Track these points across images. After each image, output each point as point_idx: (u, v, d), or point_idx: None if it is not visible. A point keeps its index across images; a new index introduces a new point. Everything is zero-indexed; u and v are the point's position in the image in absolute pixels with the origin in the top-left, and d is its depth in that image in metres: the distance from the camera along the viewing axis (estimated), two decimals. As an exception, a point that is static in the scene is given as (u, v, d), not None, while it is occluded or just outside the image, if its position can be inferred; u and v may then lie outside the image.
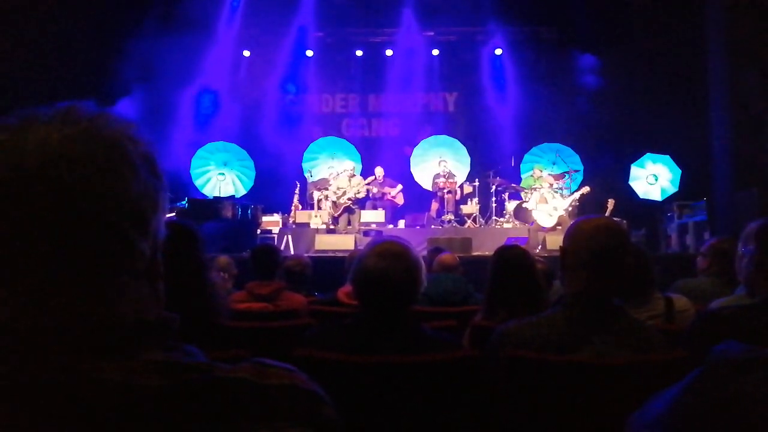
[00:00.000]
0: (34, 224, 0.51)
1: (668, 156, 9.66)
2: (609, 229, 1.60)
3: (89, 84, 8.00)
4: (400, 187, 9.78)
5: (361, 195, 9.03)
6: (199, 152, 10.63)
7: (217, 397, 0.53)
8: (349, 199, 8.83)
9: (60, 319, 0.52)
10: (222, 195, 9.81)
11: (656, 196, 9.68)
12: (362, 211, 9.13)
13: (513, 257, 2.52)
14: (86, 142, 0.55)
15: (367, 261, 1.64)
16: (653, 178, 9.74)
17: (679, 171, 9.58)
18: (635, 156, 9.85)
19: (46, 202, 0.52)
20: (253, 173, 10.89)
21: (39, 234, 0.51)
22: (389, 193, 9.63)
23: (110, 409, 0.50)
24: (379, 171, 9.59)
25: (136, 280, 0.58)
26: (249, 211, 8.47)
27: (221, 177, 10.62)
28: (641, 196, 9.73)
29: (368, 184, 9.26)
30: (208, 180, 10.67)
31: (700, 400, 0.65)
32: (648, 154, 9.76)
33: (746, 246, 1.68)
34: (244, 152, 10.90)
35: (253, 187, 10.83)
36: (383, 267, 1.60)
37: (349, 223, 8.84)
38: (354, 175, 9.13)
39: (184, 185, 9.93)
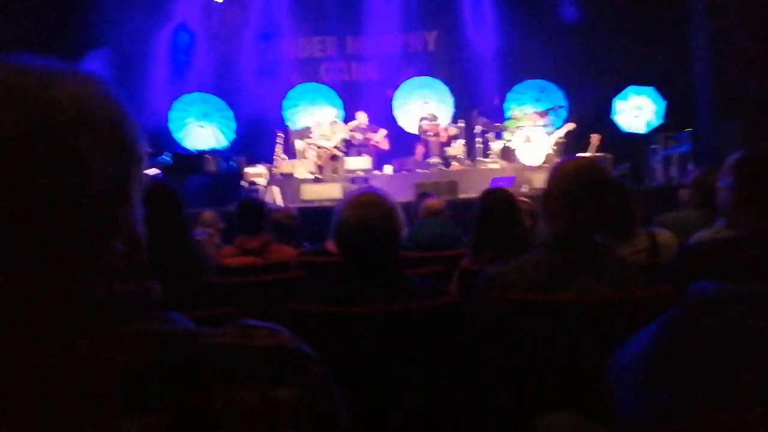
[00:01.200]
0: (9, 181, 0.50)
1: (652, 88, 9.60)
2: (589, 169, 1.60)
3: (58, 36, 7.73)
4: (384, 131, 9.68)
5: (347, 139, 8.86)
6: (176, 104, 10.39)
7: (202, 363, 0.53)
8: (334, 146, 8.72)
9: (32, 295, 0.51)
10: (203, 148, 9.67)
11: (641, 128, 9.67)
12: (348, 158, 9.06)
13: (497, 200, 2.54)
14: (85, 104, 0.53)
15: (343, 214, 1.66)
16: (637, 110, 9.71)
17: (664, 102, 9.54)
18: (619, 90, 9.78)
19: (27, 167, 0.50)
20: (234, 124, 10.71)
21: (11, 201, 0.50)
22: (373, 139, 9.55)
23: (92, 387, 0.49)
24: (361, 116, 9.43)
25: (114, 252, 0.56)
26: (232, 163, 8.38)
27: (201, 129, 10.43)
28: (625, 129, 9.72)
29: (351, 130, 9.15)
30: (189, 133, 10.49)
31: (675, 339, 0.67)
32: (631, 87, 9.69)
33: (725, 179, 1.69)
34: (223, 103, 10.66)
35: (235, 138, 10.67)
36: (359, 216, 1.63)
37: (335, 171, 8.77)
38: (336, 122, 8.98)
39: (164, 139, 9.74)
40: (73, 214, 0.52)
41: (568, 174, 1.60)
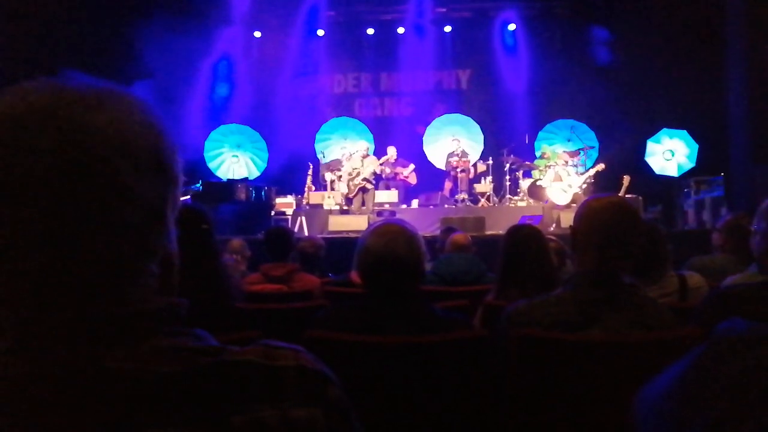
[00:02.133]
0: (53, 207, 0.51)
1: (685, 131, 9.50)
2: (619, 207, 1.59)
3: (104, 64, 8.02)
4: (412, 166, 9.74)
5: (378, 172, 8.92)
6: (213, 135, 10.68)
7: (226, 379, 0.54)
8: (364, 179, 8.78)
9: (70, 308, 0.53)
10: (236, 177, 9.86)
11: (673, 171, 9.55)
12: (376, 191, 9.11)
13: (524, 236, 2.52)
14: (125, 130, 0.55)
15: (367, 243, 1.68)
16: (670, 153, 9.60)
17: (696, 146, 9.42)
18: (651, 131, 9.70)
19: (66, 193, 0.52)
20: (266, 155, 10.92)
21: (53, 223, 0.52)
22: (402, 173, 9.61)
23: (121, 397, 0.50)
24: (391, 151, 9.55)
25: (149, 269, 0.58)
26: (263, 193, 8.51)
27: (235, 159, 10.66)
28: (657, 172, 9.60)
29: (381, 164, 9.23)
30: (222, 162, 10.72)
31: (704, 376, 0.65)
32: (664, 129, 9.61)
33: (759, 223, 1.66)
34: (257, 134, 10.91)
35: (266, 169, 10.86)
36: (382, 243, 1.65)
37: (363, 203, 8.83)
38: (368, 155, 9.08)
39: (198, 168, 9.99)
40: (112, 235, 0.54)
41: (598, 211, 1.59)
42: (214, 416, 0.52)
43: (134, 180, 0.55)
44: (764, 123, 7.41)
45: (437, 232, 6.17)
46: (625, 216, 1.59)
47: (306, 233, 8.00)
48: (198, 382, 0.53)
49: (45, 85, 0.55)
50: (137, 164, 0.55)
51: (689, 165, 9.44)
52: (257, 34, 11.23)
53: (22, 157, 0.51)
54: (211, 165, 10.63)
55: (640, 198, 8.37)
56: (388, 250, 1.63)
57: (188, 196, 7.55)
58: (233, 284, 1.83)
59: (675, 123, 9.53)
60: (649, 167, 9.62)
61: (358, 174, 8.81)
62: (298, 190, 9.44)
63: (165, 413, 0.51)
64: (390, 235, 1.66)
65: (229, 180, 9.49)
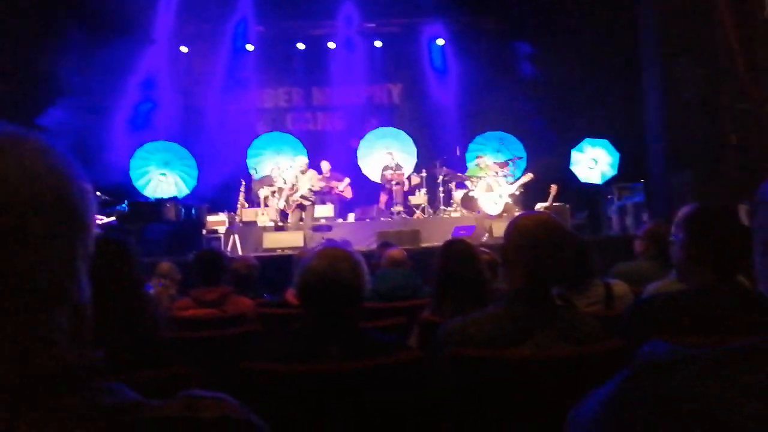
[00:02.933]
0: None
1: (606, 140, 9.97)
2: (546, 224, 1.63)
3: (25, 82, 7.60)
4: (347, 180, 9.73)
5: (315, 189, 8.80)
6: (138, 152, 10.30)
7: None
8: (302, 196, 8.63)
9: None
10: (164, 196, 9.54)
11: (597, 179, 9.98)
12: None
13: (457, 253, 2.55)
14: (31, 177, 0.52)
15: (311, 263, 1.65)
16: (593, 162, 10.03)
17: (618, 154, 9.90)
18: (575, 141, 10.12)
19: None
20: (195, 172, 10.63)
21: None
22: (337, 187, 9.57)
23: None
24: (325, 165, 9.50)
25: (58, 323, 0.54)
26: (193, 211, 8.28)
27: (163, 177, 10.31)
28: (582, 180, 10.01)
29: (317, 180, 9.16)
30: (149, 181, 10.35)
31: (627, 402, 0.67)
32: (587, 139, 10.05)
33: (677, 233, 1.73)
34: (186, 151, 10.61)
35: (196, 186, 10.56)
36: (327, 265, 1.62)
37: (301, 219, 8.70)
38: (306, 171, 8.93)
39: (124, 187, 9.60)
40: (18, 289, 0.51)
41: (526, 228, 1.62)
42: None
43: (43, 234, 0.52)
44: (678, 133, 7.87)
45: (374, 246, 6.19)
46: (552, 232, 1.63)
47: (239, 251, 7.83)
48: None
49: None
50: (46, 218, 0.52)
51: (612, 173, 9.89)
52: (184, 49, 10.95)
53: None
54: (138, 184, 10.24)
55: (567, 205, 8.69)
56: (332, 272, 1.60)
57: (113, 218, 7.23)
58: (158, 315, 1.75)
59: (597, 133, 9.99)
60: (575, 176, 10.02)
61: (297, 190, 8.67)
62: (230, 208, 9.22)
63: None
64: (335, 258, 1.64)
65: (157, 199, 9.18)
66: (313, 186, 8.67)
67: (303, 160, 9.04)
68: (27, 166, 0.52)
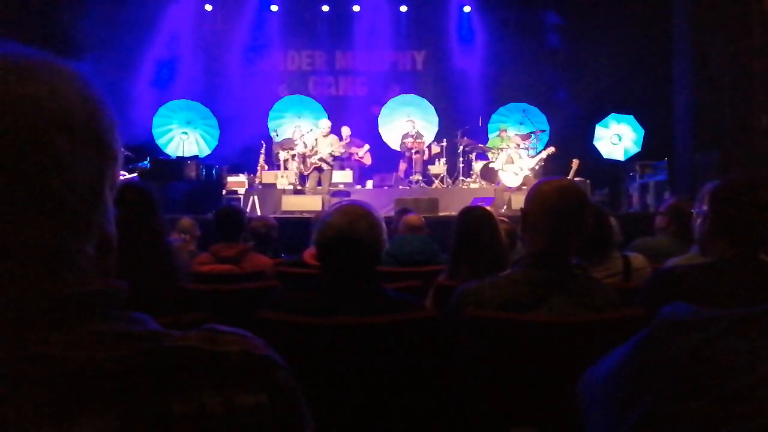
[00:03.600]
0: None
1: (632, 116, 9.79)
2: (568, 190, 1.62)
3: (47, 37, 7.61)
4: (367, 147, 9.70)
5: (336, 154, 8.77)
6: (161, 110, 10.34)
7: (167, 366, 0.52)
8: (320, 159, 8.65)
9: (4, 289, 0.50)
10: (185, 155, 9.60)
11: (619, 156, 9.84)
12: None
13: (476, 218, 2.55)
14: (63, 102, 0.52)
15: (330, 220, 1.66)
16: (617, 138, 9.88)
17: (642, 131, 9.73)
18: (600, 116, 9.96)
19: (4, 157, 0.49)
20: (217, 132, 10.66)
21: None
22: (356, 153, 9.55)
23: (53, 385, 0.48)
24: (345, 131, 9.47)
25: (85, 251, 0.55)
26: (213, 172, 8.32)
27: (184, 136, 10.36)
28: (605, 156, 9.88)
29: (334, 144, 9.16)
30: (171, 139, 10.41)
31: (647, 359, 0.67)
32: (612, 114, 9.88)
33: (700, 207, 1.71)
34: (208, 111, 10.63)
35: (217, 146, 10.61)
36: (347, 222, 1.63)
37: (319, 183, 8.73)
38: (328, 135, 8.93)
39: (146, 145, 9.67)
40: (45, 214, 0.51)
41: (547, 194, 1.61)
42: (154, 404, 0.50)
43: (70, 155, 0.52)
44: (706, 112, 7.70)
45: (391, 213, 6.20)
46: (573, 199, 1.62)
47: (258, 213, 7.89)
48: (136, 369, 0.51)
49: None
50: (74, 139, 0.53)
51: (635, 150, 9.74)
52: (208, 7, 10.88)
53: None
54: (160, 142, 10.30)
55: (588, 181, 8.60)
56: (350, 229, 1.61)
57: (135, 174, 7.31)
58: (180, 264, 1.78)
59: (622, 108, 9.81)
60: (597, 151, 9.88)
61: (316, 153, 8.68)
62: (250, 169, 9.26)
63: (100, 401, 0.49)
64: (354, 215, 1.65)
65: (178, 157, 9.24)
66: (333, 150, 8.67)
67: (326, 123, 9.02)
68: (58, 89, 0.53)
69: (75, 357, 0.49)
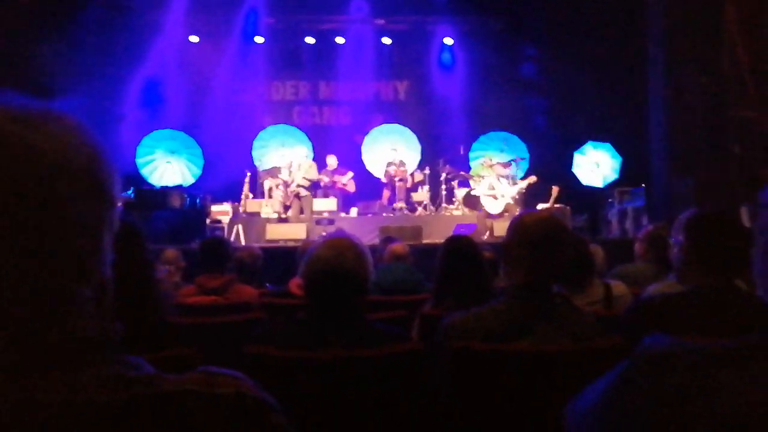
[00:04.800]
0: None
1: (609, 144, 9.98)
2: (548, 222, 1.67)
3: (28, 83, 7.59)
4: (350, 174, 9.76)
5: (310, 178, 8.78)
6: (145, 140, 10.33)
7: (165, 410, 0.53)
8: (297, 185, 8.67)
9: (5, 334, 0.51)
10: (169, 184, 9.57)
11: (598, 182, 10.01)
12: (314, 199, 9.05)
13: (460, 248, 2.58)
14: (65, 151, 0.54)
15: (317, 252, 1.69)
16: (595, 165, 10.06)
17: (620, 158, 9.92)
18: (578, 144, 10.14)
19: (8, 204, 0.50)
20: (201, 161, 10.66)
21: None
22: (340, 181, 9.60)
23: (52, 429, 0.49)
24: (331, 159, 9.53)
25: (84, 294, 0.56)
26: (198, 201, 8.30)
27: (169, 165, 10.34)
28: (584, 183, 10.03)
29: (320, 173, 9.20)
30: (155, 168, 10.38)
31: (630, 391, 0.69)
32: (590, 142, 10.07)
33: (676, 236, 1.77)
34: (192, 140, 10.63)
35: (201, 176, 10.59)
36: (334, 255, 1.65)
37: (301, 211, 8.74)
38: (304, 162, 8.94)
39: (130, 175, 9.62)
40: (46, 259, 0.53)
41: (528, 226, 1.66)
42: None
43: (72, 202, 0.54)
44: (681, 137, 7.88)
45: (376, 241, 6.22)
46: (554, 230, 1.67)
47: (243, 242, 7.86)
48: (136, 413, 0.52)
49: None
50: (75, 186, 0.54)
51: (614, 177, 9.92)
52: (194, 39, 10.96)
53: None
54: (144, 171, 10.26)
55: (568, 207, 8.72)
56: (338, 262, 1.64)
57: (119, 204, 7.25)
58: (167, 299, 1.78)
59: (600, 136, 10.01)
60: (576, 178, 10.04)
61: (293, 181, 8.70)
62: (234, 198, 9.25)
63: None
64: (341, 248, 1.67)
65: (162, 187, 9.20)
66: (307, 174, 8.69)
67: (303, 149, 9.05)
68: (59, 138, 0.55)
69: (75, 401, 0.51)
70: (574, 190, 9.64)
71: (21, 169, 0.51)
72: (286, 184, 8.77)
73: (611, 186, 9.73)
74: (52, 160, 0.53)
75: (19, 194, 0.51)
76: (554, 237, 1.64)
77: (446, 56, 11.38)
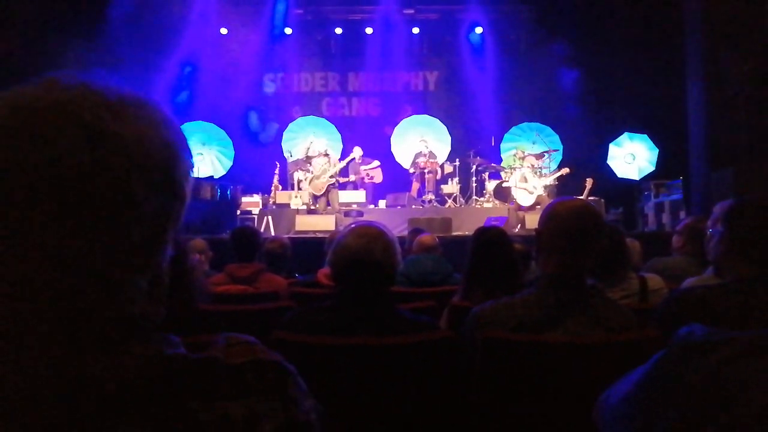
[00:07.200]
0: (59, 207, 0.51)
1: (646, 135, 9.75)
2: (583, 211, 1.62)
3: (58, 69, 7.72)
4: (376, 162, 9.75)
5: (331, 173, 8.82)
6: (177, 132, 10.49)
7: (193, 379, 0.55)
8: (331, 176, 8.72)
9: (51, 310, 0.52)
10: (201, 175, 9.71)
11: (634, 175, 9.80)
12: (342, 192, 9.07)
13: (491, 238, 2.55)
14: (146, 144, 0.55)
15: (346, 241, 1.69)
16: (631, 157, 9.84)
17: (657, 150, 9.69)
18: (613, 135, 9.93)
19: (83, 189, 0.51)
20: (232, 153, 10.79)
21: (57, 220, 0.51)
22: (367, 170, 9.61)
23: (91, 398, 0.50)
24: (357, 151, 9.55)
25: (140, 284, 0.57)
26: (228, 192, 8.40)
27: (200, 156, 10.49)
28: (619, 176, 9.83)
29: (348, 163, 9.23)
30: (187, 160, 10.54)
31: (664, 380, 0.67)
32: (626, 133, 9.85)
33: (715, 227, 1.71)
34: (223, 132, 10.77)
35: (232, 167, 10.72)
36: (362, 244, 1.65)
37: (328, 203, 8.79)
38: (327, 155, 9.03)
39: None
40: (110, 247, 0.53)
41: (562, 215, 1.62)
42: (182, 414, 0.53)
43: (144, 196, 0.55)
44: (720, 131, 7.65)
45: (405, 233, 6.20)
46: (588, 219, 1.62)
47: (272, 233, 7.93)
48: (167, 383, 0.54)
49: (71, 83, 0.55)
50: (150, 180, 0.55)
51: (649, 169, 9.69)
52: (224, 31, 11.07)
53: (38, 152, 0.51)
54: (176, 163, 10.42)
55: (602, 200, 8.56)
56: (366, 251, 1.64)
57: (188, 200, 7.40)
58: (198, 285, 1.80)
59: (636, 127, 9.78)
60: (611, 170, 9.84)
61: (324, 172, 8.75)
62: (264, 189, 9.34)
63: (136, 414, 0.51)
64: (370, 237, 1.67)
65: (194, 178, 9.31)
66: (338, 170, 8.74)
67: (323, 143, 9.10)
68: (144, 132, 0.56)
69: (116, 376, 0.52)
70: (609, 182, 9.46)
71: (101, 158, 0.52)
72: (315, 176, 8.81)
73: (647, 178, 9.51)
74: (132, 153, 0.54)
75: (95, 181, 0.52)
76: (589, 226, 1.60)
77: (477, 45, 11.25)
